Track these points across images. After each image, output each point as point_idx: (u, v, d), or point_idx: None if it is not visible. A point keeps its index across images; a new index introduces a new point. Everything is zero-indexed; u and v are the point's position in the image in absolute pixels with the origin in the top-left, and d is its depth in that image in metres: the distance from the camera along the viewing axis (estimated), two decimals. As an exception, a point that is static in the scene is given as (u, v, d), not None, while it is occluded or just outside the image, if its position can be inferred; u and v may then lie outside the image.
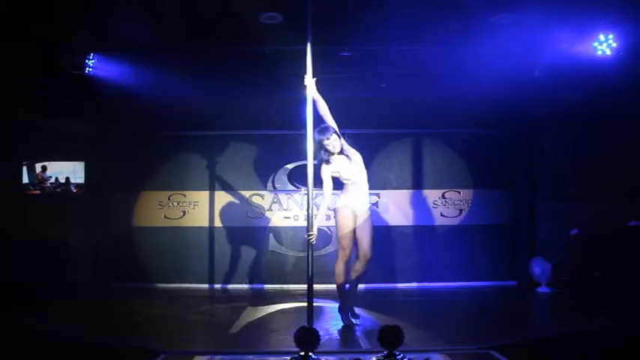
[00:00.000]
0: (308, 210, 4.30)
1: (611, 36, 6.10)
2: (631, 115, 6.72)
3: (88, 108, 7.10)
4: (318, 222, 4.80)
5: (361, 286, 7.30)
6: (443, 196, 7.64)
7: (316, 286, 4.43)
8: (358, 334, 4.56)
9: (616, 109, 6.74)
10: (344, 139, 4.78)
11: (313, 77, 4.38)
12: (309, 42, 4.29)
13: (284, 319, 5.36)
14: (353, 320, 4.85)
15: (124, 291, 7.08)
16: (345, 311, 4.88)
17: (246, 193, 7.61)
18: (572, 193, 7.32)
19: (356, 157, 4.81)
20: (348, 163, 4.78)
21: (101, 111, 7.20)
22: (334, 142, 4.72)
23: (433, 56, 6.66)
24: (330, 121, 4.68)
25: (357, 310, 5.08)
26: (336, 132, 4.71)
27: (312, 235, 4.32)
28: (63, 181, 7.49)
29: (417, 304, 6.45)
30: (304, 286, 4.36)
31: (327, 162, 4.83)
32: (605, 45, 6.13)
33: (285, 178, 7.63)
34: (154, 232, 7.54)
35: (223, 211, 7.57)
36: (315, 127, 4.46)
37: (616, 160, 7.08)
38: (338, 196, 4.96)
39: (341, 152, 4.80)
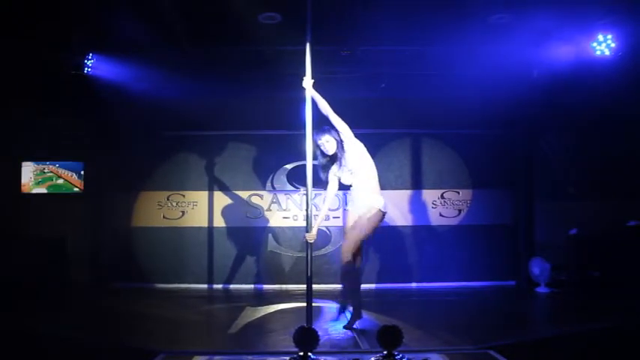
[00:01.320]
0: (307, 210, 4.30)
1: (610, 36, 6.10)
2: (630, 115, 6.75)
3: (87, 108, 7.12)
4: (318, 223, 4.74)
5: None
6: (442, 197, 7.64)
7: (315, 287, 4.43)
8: (357, 334, 4.56)
9: (615, 110, 6.77)
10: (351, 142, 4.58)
11: (312, 78, 4.36)
12: (308, 42, 4.29)
13: (283, 319, 5.36)
14: (346, 318, 4.76)
15: (123, 291, 7.08)
16: (341, 309, 4.86)
17: (245, 194, 7.61)
18: (571, 193, 7.34)
19: (353, 163, 4.59)
20: (340, 168, 4.67)
21: (100, 111, 7.21)
22: (327, 143, 4.62)
23: (432, 56, 6.67)
24: (334, 119, 4.50)
25: (353, 308, 4.98)
26: (335, 133, 4.58)
27: (310, 236, 4.28)
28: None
29: (416, 304, 6.45)
30: (303, 286, 4.36)
31: (327, 165, 4.72)
32: (604, 45, 6.14)
33: (284, 179, 7.63)
34: (152, 232, 7.54)
35: (222, 212, 7.57)
36: (314, 127, 4.45)
37: (615, 160, 7.11)
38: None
39: (335, 155, 4.64)
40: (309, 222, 4.32)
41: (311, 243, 4.35)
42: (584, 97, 6.58)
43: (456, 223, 7.60)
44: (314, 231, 4.34)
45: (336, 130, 4.59)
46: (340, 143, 4.62)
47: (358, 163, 4.64)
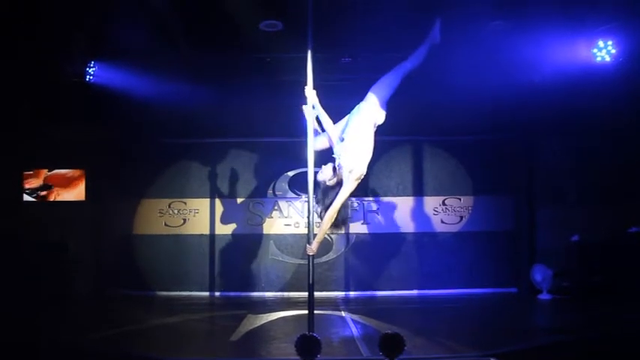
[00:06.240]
0: (309, 217, 4.26)
1: (610, 42, 6.11)
2: (630, 121, 6.75)
3: (89, 115, 7.12)
4: (320, 237, 4.26)
5: (361, 292, 7.36)
6: (443, 203, 7.63)
7: (317, 294, 4.42)
8: (359, 342, 4.54)
9: (615, 115, 6.77)
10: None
11: (313, 87, 4.33)
12: (310, 49, 4.30)
13: (285, 326, 5.34)
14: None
15: (124, 299, 7.07)
16: None
17: (247, 201, 7.61)
18: (573, 199, 7.33)
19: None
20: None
21: (101, 118, 7.22)
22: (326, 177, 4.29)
23: (433, 63, 6.66)
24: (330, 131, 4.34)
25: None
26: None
27: (311, 249, 4.13)
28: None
29: (418, 311, 6.42)
30: (305, 294, 4.33)
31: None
32: (604, 51, 6.15)
33: (285, 186, 7.63)
34: (154, 239, 7.54)
35: (224, 219, 7.57)
36: (315, 133, 4.42)
37: (616, 166, 7.10)
38: None
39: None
40: (311, 231, 4.26)
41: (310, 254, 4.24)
42: (585, 102, 6.58)
43: (458, 229, 7.60)
44: (314, 244, 4.16)
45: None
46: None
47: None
